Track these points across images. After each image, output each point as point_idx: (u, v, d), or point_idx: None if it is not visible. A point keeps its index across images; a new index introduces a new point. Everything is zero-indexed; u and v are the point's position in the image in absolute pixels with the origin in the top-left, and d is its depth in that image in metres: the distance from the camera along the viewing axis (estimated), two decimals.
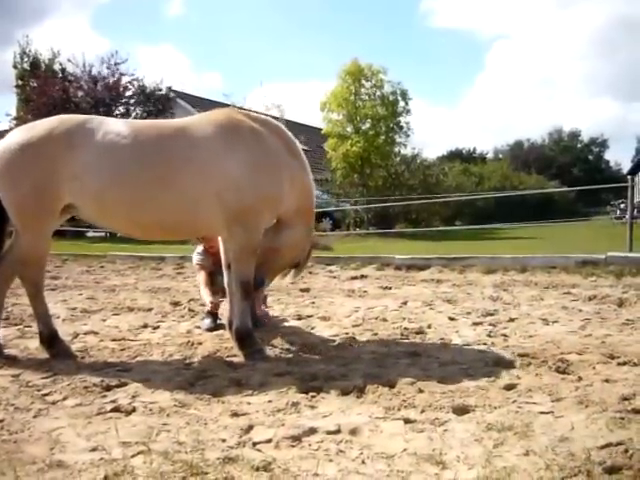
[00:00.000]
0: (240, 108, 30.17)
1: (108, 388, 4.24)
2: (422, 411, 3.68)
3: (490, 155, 71.46)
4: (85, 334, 6.23)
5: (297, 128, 42.68)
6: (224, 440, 3.27)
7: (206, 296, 6.61)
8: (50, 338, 5.31)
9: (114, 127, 5.15)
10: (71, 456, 3.06)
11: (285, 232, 5.64)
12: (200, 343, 5.68)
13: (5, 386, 4.33)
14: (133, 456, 3.05)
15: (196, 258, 6.84)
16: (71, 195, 5.02)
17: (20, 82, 35.82)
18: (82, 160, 4.96)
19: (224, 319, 6.00)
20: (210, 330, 6.29)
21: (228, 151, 5.16)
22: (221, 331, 6.09)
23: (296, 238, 5.70)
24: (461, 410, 3.67)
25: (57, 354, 5.19)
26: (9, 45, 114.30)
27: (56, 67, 35.05)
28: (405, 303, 7.93)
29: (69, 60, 32.96)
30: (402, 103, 31.06)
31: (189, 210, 5.16)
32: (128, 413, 3.76)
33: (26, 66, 36.69)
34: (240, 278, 5.30)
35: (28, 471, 2.89)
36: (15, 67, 37.05)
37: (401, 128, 31.35)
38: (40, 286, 5.41)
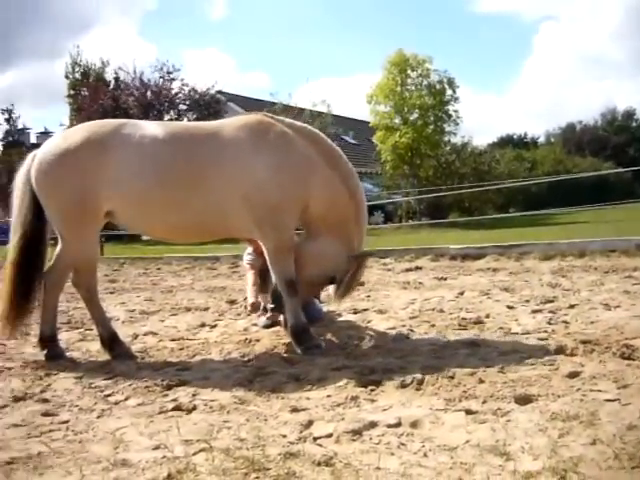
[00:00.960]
0: (286, 106, 30.21)
1: (169, 387, 4.29)
2: (484, 402, 3.62)
3: (542, 139, 70.20)
4: (144, 335, 6.32)
5: (346, 123, 42.90)
6: (284, 436, 3.27)
7: (250, 296, 6.58)
8: (110, 340, 5.40)
9: (148, 130, 5.23)
10: (135, 455, 3.09)
11: (311, 240, 5.51)
12: (258, 340, 5.70)
13: (69, 388, 4.41)
14: (195, 453, 3.07)
15: (246, 258, 6.83)
16: (109, 200, 5.11)
17: (72, 92, 36.54)
18: (118, 165, 5.03)
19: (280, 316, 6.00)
20: (267, 327, 6.30)
21: (254, 153, 5.19)
22: (278, 327, 6.10)
23: (324, 250, 5.46)
24: (524, 400, 3.59)
25: (118, 355, 5.27)
26: (57, 57, 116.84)
27: (107, 76, 35.69)
28: (462, 293, 7.84)
29: (120, 68, 33.52)
30: (449, 91, 30.86)
31: (220, 212, 5.23)
32: (189, 411, 3.79)
33: (77, 76, 37.41)
34: (282, 277, 5.30)
35: (94, 470, 2.93)
36: (67, 77, 37.82)
37: (450, 117, 31.13)
38: (94, 290, 5.50)
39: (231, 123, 5.47)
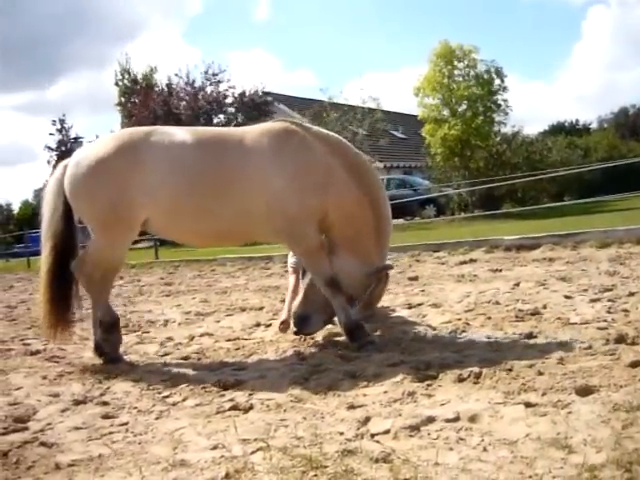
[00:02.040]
0: (335, 104, 30.21)
1: (225, 387, 4.31)
2: (543, 394, 3.55)
3: (594, 125, 68.76)
4: (200, 336, 6.38)
5: (394, 117, 42.68)
6: (342, 433, 3.26)
7: (284, 310, 6.26)
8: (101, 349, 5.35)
9: (177, 137, 5.27)
10: (193, 455, 3.12)
11: (332, 258, 5.39)
12: (312, 338, 5.70)
13: (128, 390, 4.47)
14: (253, 452, 3.08)
15: (290, 261, 6.66)
16: (144, 208, 5.14)
17: (122, 99, 37.11)
18: (150, 172, 5.08)
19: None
20: None
21: (275, 162, 5.19)
22: (332, 325, 6.08)
23: (339, 269, 5.31)
24: (584, 391, 3.51)
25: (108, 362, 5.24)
26: (105, 65, 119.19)
27: (155, 81, 36.16)
28: (517, 284, 7.72)
29: (176, 74, 33.92)
30: (497, 81, 30.44)
31: (246, 217, 5.25)
32: (246, 410, 3.81)
33: (127, 82, 37.98)
34: (320, 278, 5.26)
35: (153, 471, 2.97)
36: (117, 84, 38.43)
37: (499, 106, 30.70)
38: (107, 294, 5.47)
39: (257, 130, 5.49)
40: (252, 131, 5.46)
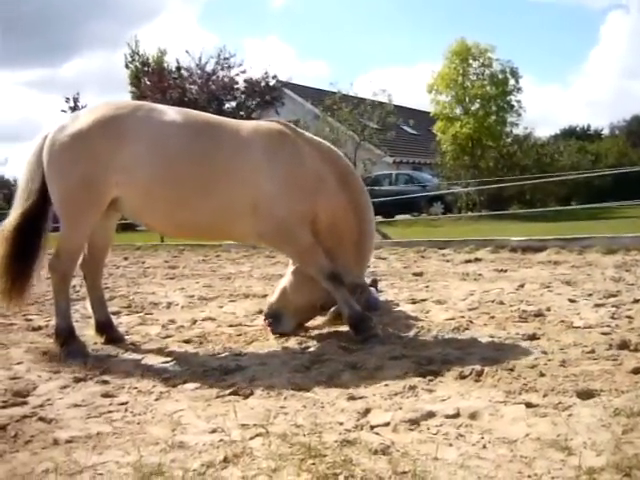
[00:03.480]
0: (345, 96, 30.15)
1: (226, 372, 4.32)
2: (544, 395, 3.54)
3: (606, 131, 68.49)
4: (203, 320, 6.38)
5: (405, 113, 42.58)
6: (341, 423, 3.26)
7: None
8: (67, 333, 5.07)
9: (165, 117, 5.08)
10: (192, 437, 3.12)
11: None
12: (314, 328, 5.69)
13: (129, 371, 4.47)
14: (252, 438, 3.08)
15: None
16: (118, 187, 4.92)
17: (134, 80, 37.20)
18: (131, 150, 4.86)
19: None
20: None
21: (267, 163, 5.11)
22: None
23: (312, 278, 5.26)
24: (586, 394, 3.50)
25: (70, 352, 4.90)
26: (121, 46, 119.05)
27: (166, 65, 36.21)
28: (522, 286, 7.70)
29: (187, 51, 33.97)
30: (512, 81, 30.43)
31: (227, 215, 5.17)
32: (246, 396, 3.81)
33: (138, 64, 38.05)
34: (320, 274, 5.17)
35: (151, 451, 2.97)
36: (127, 67, 38.49)
37: (512, 107, 30.71)
38: (68, 280, 5.19)
39: (251, 126, 5.40)
40: (246, 126, 5.36)
